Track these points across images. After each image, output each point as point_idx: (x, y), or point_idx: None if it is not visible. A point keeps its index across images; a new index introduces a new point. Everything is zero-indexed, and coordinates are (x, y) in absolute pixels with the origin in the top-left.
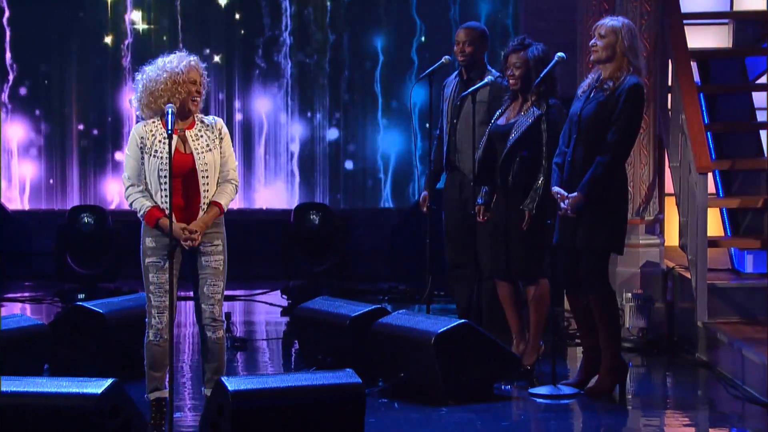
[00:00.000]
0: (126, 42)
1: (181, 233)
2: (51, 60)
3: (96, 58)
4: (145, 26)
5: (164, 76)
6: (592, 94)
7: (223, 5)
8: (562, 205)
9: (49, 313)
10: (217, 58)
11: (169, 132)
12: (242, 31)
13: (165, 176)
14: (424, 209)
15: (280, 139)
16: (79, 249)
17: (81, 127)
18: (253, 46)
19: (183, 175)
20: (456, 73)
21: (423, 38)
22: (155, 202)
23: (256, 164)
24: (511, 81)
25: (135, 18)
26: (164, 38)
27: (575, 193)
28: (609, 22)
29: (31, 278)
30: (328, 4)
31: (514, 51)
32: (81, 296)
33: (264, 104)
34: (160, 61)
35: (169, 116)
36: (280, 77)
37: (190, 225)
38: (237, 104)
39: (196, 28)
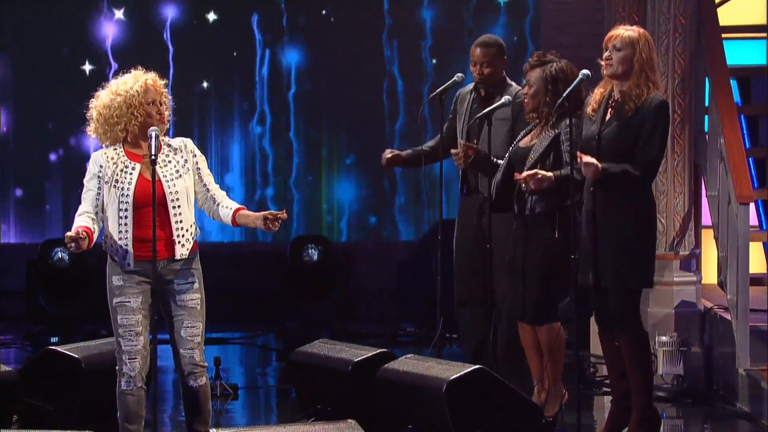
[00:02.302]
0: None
1: None
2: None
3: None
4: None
5: (118, 100)
6: (609, 115)
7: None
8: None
9: (18, 358)
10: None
11: (152, 157)
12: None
13: (126, 209)
14: (384, 159)
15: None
16: (52, 287)
17: (55, 153)
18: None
19: (151, 205)
20: (472, 86)
21: (434, 61)
22: (90, 225)
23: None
24: (525, 100)
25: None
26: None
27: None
28: (624, 32)
29: None
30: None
31: (532, 68)
32: (54, 339)
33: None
34: (113, 84)
35: (153, 140)
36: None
37: (266, 212)
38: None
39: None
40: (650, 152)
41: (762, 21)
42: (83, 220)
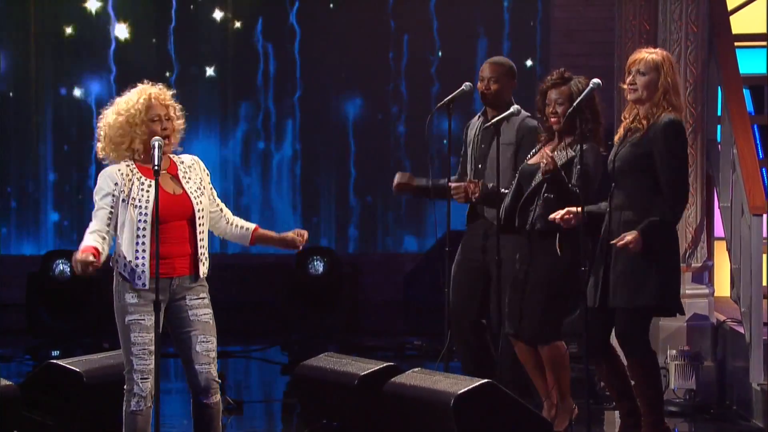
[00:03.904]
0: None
1: None
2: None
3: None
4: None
5: (120, 119)
6: (626, 137)
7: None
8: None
9: (19, 372)
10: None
11: (156, 168)
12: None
13: (144, 227)
14: (396, 184)
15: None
16: (53, 300)
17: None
18: None
19: (180, 220)
20: (479, 113)
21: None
22: (99, 246)
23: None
24: (552, 119)
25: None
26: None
27: (633, 232)
28: (648, 56)
29: None
30: None
31: (554, 86)
32: (55, 353)
33: None
34: (119, 101)
35: (156, 150)
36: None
37: (294, 233)
38: None
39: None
40: (672, 182)
41: (762, 30)
42: (93, 239)
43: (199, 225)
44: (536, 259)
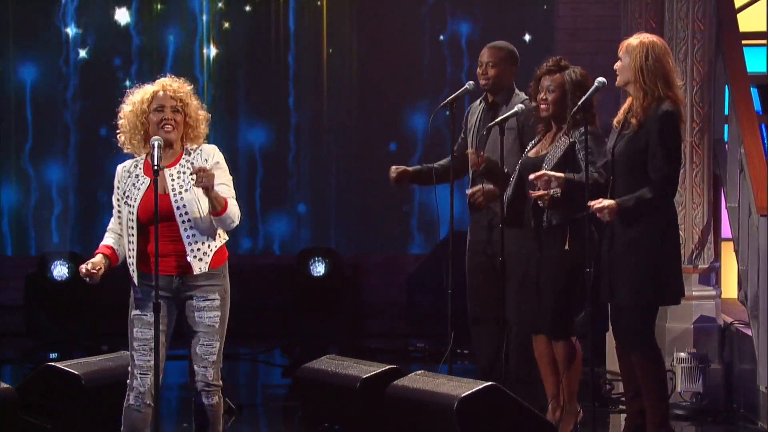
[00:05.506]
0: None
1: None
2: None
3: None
4: None
5: (127, 110)
6: (623, 128)
7: None
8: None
9: (16, 375)
10: None
11: (155, 168)
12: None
13: (132, 226)
14: (393, 174)
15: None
16: (51, 302)
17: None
18: None
19: (167, 220)
20: (481, 98)
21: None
22: (112, 244)
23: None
24: (542, 106)
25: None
26: None
27: (611, 200)
28: (628, 40)
29: None
30: None
31: (549, 72)
32: (53, 355)
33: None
34: (136, 91)
35: (155, 150)
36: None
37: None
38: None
39: None
40: (661, 168)
41: (762, 28)
42: (108, 237)
43: (182, 222)
44: (546, 255)
